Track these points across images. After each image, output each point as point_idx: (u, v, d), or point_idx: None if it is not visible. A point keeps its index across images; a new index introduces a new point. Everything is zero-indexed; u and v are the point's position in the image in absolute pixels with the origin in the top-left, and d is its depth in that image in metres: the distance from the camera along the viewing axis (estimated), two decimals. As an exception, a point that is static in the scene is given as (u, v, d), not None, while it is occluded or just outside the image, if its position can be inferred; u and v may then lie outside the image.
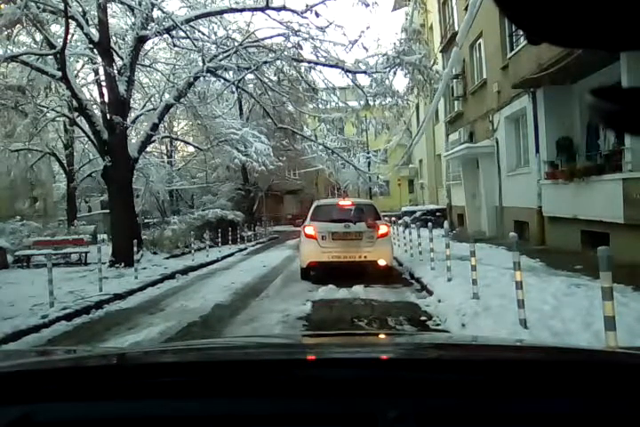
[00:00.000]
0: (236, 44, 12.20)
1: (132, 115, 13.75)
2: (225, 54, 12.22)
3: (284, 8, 11.48)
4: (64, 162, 19.71)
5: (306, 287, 8.45)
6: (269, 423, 0.89)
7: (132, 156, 12.13)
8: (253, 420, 0.89)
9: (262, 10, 11.67)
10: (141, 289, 8.99)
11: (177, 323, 6.13)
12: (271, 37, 12.69)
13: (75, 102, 11.85)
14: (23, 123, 13.62)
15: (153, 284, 9.56)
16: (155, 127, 12.64)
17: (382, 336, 2.10)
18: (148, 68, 15.15)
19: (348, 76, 12.60)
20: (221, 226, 17.77)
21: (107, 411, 0.91)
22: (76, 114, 13.55)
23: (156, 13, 11.39)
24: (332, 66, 12.56)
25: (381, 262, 8.98)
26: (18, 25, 10.42)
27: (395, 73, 12.72)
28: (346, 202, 9.93)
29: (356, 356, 1.19)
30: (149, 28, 11.44)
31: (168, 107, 12.72)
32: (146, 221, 21.37)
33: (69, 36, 11.36)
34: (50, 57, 11.01)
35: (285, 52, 12.09)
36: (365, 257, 8.94)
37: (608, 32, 0.45)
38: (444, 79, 14.10)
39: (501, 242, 11.66)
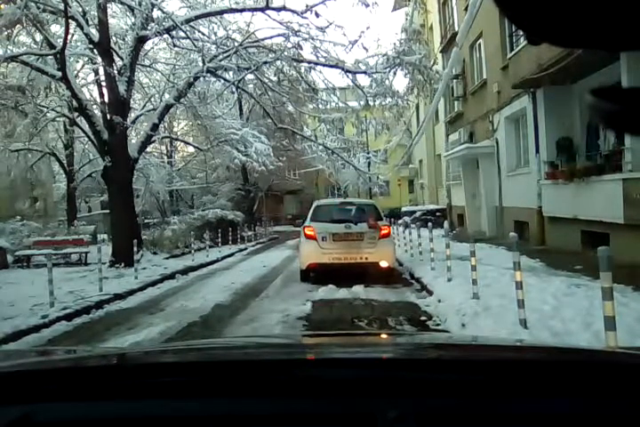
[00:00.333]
0: (236, 44, 12.20)
1: (132, 115, 13.75)
2: (225, 54, 12.22)
3: (283, 8, 11.48)
4: (64, 162, 19.71)
5: (306, 287, 8.45)
6: (269, 423, 0.89)
7: (132, 156, 12.13)
8: (253, 420, 0.89)
9: (262, 10, 11.67)
10: (141, 289, 8.99)
11: (177, 323, 6.13)
12: (271, 38, 12.71)
13: (75, 102, 11.85)
14: (23, 123, 13.62)
15: (153, 284, 9.56)
16: (155, 127, 12.64)
17: (382, 336, 2.10)
18: (148, 68, 15.15)
19: (348, 76, 12.59)
20: (221, 226, 17.77)
21: (107, 411, 0.91)
22: (76, 114, 13.55)
23: (155, 13, 11.39)
24: (331, 66, 12.56)
25: (383, 264, 8.78)
26: (18, 25, 10.42)
27: (395, 73, 12.72)
28: (346, 202, 9.88)
29: (355, 356, 1.19)
30: (149, 28, 11.44)
31: (168, 107, 12.72)
32: (146, 221, 21.37)
33: (69, 37, 11.36)
34: (50, 57, 11.01)
35: (285, 53, 12.09)
36: (367, 259, 8.75)
37: (608, 32, 0.45)
38: (444, 79, 14.09)
39: (501, 242, 11.66)
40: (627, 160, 7.77)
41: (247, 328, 5.73)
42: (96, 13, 11.22)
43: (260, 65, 12.37)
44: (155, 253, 13.89)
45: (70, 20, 10.18)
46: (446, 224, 8.95)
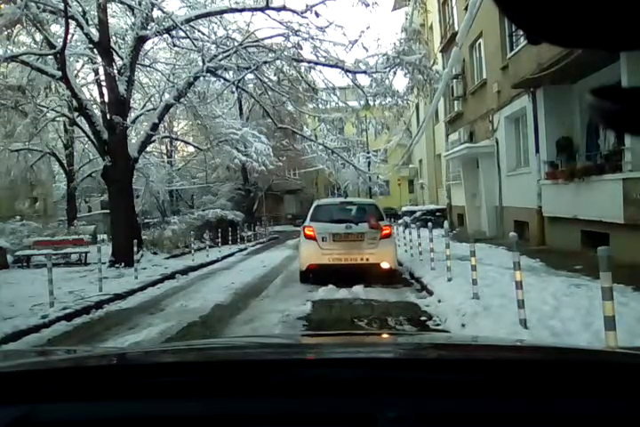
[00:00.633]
0: (236, 44, 12.20)
1: (132, 115, 13.75)
2: (225, 54, 12.23)
3: (283, 8, 11.49)
4: (64, 162, 19.73)
5: (306, 287, 8.44)
6: (269, 423, 0.89)
7: (132, 156, 12.13)
8: (253, 420, 0.89)
9: (262, 10, 11.67)
10: (141, 289, 8.98)
11: (177, 323, 6.13)
12: (271, 37, 12.71)
13: (75, 102, 11.86)
14: (23, 123, 13.61)
15: (153, 284, 9.56)
16: (155, 127, 12.64)
17: (382, 336, 2.10)
18: (148, 68, 15.14)
19: (347, 76, 12.59)
20: (221, 226, 17.76)
21: (107, 411, 0.91)
22: (76, 114, 13.54)
23: (155, 13, 11.40)
24: (331, 66, 12.56)
25: (384, 265, 8.62)
26: (18, 25, 10.42)
27: (395, 73, 12.72)
28: (347, 201, 9.83)
29: (356, 356, 1.19)
30: (149, 27, 11.45)
31: (168, 107, 12.73)
32: (146, 221, 21.40)
33: (69, 36, 11.36)
34: (50, 57, 11.01)
35: (285, 52, 12.08)
36: (368, 260, 8.59)
37: (608, 32, 0.45)
38: (443, 79, 14.08)
39: (501, 242, 11.65)
40: (627, 160, 7.77)
41: (247, 328, 5.73)
42: (96, 13, 11.22)
43: (259, 65, 12.38)
44: (155, 253, 13.89)
45: (70, 20, 10.18)
46: (446, 224, 8.92)
